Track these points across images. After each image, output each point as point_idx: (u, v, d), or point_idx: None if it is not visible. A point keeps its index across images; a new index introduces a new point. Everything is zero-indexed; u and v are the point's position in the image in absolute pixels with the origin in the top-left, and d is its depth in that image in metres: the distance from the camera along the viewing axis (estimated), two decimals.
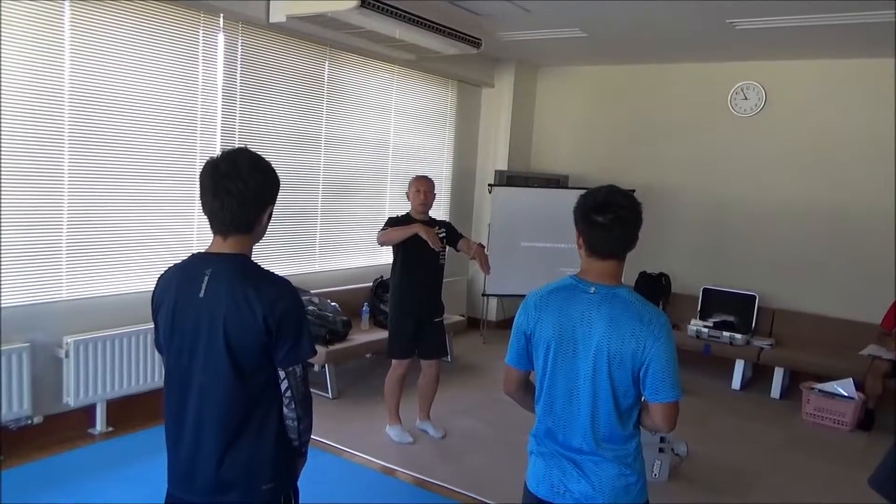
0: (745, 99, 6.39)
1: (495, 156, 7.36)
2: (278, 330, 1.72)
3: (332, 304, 5.29)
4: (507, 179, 7.02)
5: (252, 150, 1.80)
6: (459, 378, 5.75)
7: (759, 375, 6.13)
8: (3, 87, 3.61)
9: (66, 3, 3.85)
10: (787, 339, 6.04)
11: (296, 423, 1.82)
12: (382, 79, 6.18)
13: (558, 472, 1.95)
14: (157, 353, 4.30)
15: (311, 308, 5.06)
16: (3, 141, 3.64)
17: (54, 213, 3.94)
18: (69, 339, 3.97)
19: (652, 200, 6.36)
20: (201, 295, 1.74)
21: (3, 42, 3.59)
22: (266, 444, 1.79)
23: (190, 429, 1.78)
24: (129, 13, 4.15)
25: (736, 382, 5.98)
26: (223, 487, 1.77)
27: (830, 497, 4.00)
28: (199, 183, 1.76)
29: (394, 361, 4.36)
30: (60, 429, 4.03)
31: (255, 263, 1.80)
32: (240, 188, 1.71)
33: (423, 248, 4.12)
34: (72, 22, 3.88)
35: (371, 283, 6.00)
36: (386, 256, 6.20)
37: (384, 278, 5.80)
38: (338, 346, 5.08)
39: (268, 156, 1.83)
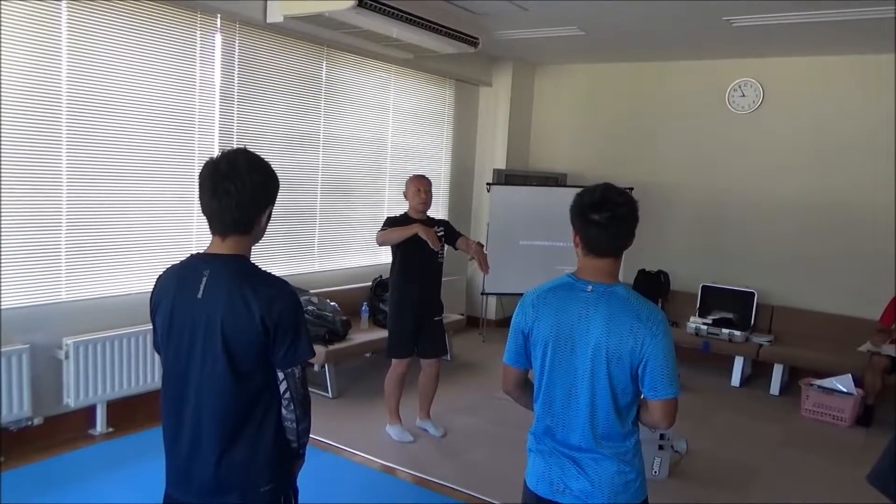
0: (743, 96, 6.40)
1: (493, 154, 7.37)
2: (276, 330, 1.72)
3: (332, 303, 5.29)
4: (505, 178, 7.03)
5: (251, 150, 1.80)
6: (459, 377, 5.75)
7: (758, 372, 6.14)
8: (0, 88, 3.61)
9: (63, 4, 3.85)
10: (787, 335, 6.04)
11: (294, 424, 1.82)
12: (380, 78, 6.19)
13: (558, 469, 1.95)
14: (156, 353, 4.33)
15: (310, 308, 5.07)
16: (1, 142, 3.64)
17: (53, 215, 3.95)
18: (69, 341, 3.97)
19: (650, 198, 6.38)
20: (199, 296, 1.74)
21: (1, 42, 3.58)
22: (264, 445, 1.79)
23: (188, 429, 1.78)
24: (125, 14, 4.15)
25: (735, 379, 5.99)
26: (221, 488, 1.78)
27: (830, 493, 4.01)
28: (198, 183, 1.77)
29: (393, 360, 4.37)
30: (61, 430, 4.03)
31: (254, 264, 1.80)
32: (239, 189, 1.71)
33: (422, 248, 4.12)
34: (69, 23, 3.89)
35: (370, 283, 6.01)
36: (385, 256, 6.21)
37: (383, 278, 5.80)
38: (337, 345, 5.09)
39: (266, 156, 1.83)
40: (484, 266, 4.28)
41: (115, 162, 4.20)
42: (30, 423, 3.88)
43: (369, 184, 6.23)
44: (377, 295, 5.87)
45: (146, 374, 4.34)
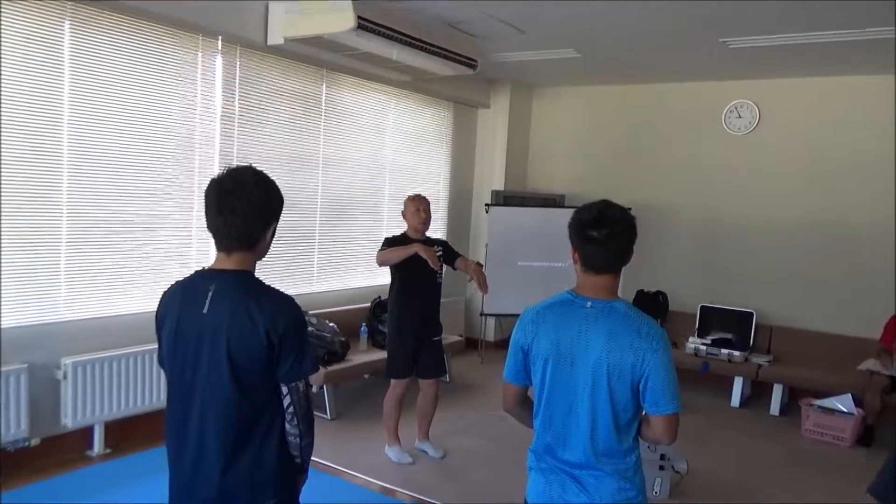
0: (739, 117, 6.46)
1: (492, 176, 7.41)
2: (280, 344, 1.73)
3: (331, 324, 5.28)
4: (503, 199, 7.06)
5: (255, 167, 1.83)
6: (458, 398, 5.73)
7: (758, 392, 6.12)
8: (2, 107, 3.64)
9: (66, 24, 3.90)
10: (786, 355, 6.04)
11: (298, 439, 1.82)
12: (379, 100, 6.24)
13: (558, 487, 1.95)
14: (155, 373, 4.33)
15: (309, 329, 5.06)
16: (2, 161, 3.67)
17: (53, 234, 3.96)
18: (67, 361, 3.96)
19: (648, 219, 6.40)
20: (205, 311, 1.76)
21: (3, 62, 3.62)
22: (268, 459, 1.79)
23: (192, 443, 1.79)
24: (128, 35, 4.20)
25: (735, 399, 5.98)
26: (225, 502, 1.78)
27: None
28: (204, 199, 1.79)
29: (392, 381, 4.36)
30: (58, 451, 4.00)
31: (258, 279, 1.82)
32: (243, 205, 1.74)
33: (421, 268, 4.13)
34: (71, 42, 3.93)
35: (369, 304, 6.00)
36: (384, 277, 6.20)
37: (382, 298, 5.79)
38: (336, 366, 5.07)
39: None
40: (483, 286, 4.28)
41: (115, 181, 4.23)
42: (27, 443, 3.85)
43: (368, 205, 6.25)
44: (376, 316, 5.86)
45: (144, 394, 4.32)
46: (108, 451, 4.18)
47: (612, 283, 1.97)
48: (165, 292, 1.89)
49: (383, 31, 4.63)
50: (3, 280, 3.73)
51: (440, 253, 4.30)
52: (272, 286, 1.83)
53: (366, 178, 6.19)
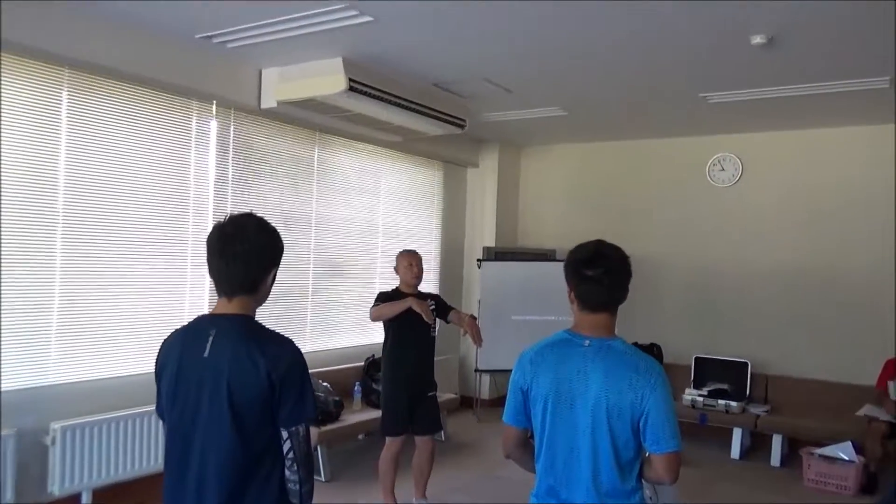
0: (723, 170, 6.61)
1: (482, 233, 7.48)
2: (282, 387, 1.73)
3: (324, 384, 5.22)
4: (495, 255, 7.11)
5: (256, 214, 1.87)
6: (454, 457, 5.62)
7: (757, 443, 6.05)
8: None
9: (65, 90, 3.99)
10: (783, 404, 6.00)
11: (298, 486, 1.79)
12: (371, 161, 6.35)
13: None
14: (145, 437, 4.25)
15: None
16: None
17: (45, 295, 3.94)
18: (56, 425, 3.88)
19: (639, 271, 6.36)
20: (206, 354, 1.76)
21: (2, 123, 3.69)
22: None
23: (192, 490, 1.76)
24: (124, 100, 4.30)
25: (735, 451, 5.90)
26: None
27: None
28: (206, 245, 1.82)
29: (388, 439, 4.28)
30: None
31: (259, 323, 1.84)
32: (245, 249, 1.77)
33: (415, 322, 4.13)
34: (69, 106, 4.01)
35: (363, 362, 5.95)
36: (377, 335, 6.16)
37: (375, 357, 5.75)
38: (330, 426, 4.99)
39: None
40: (477, 338, 4.27)
41: (109, 243, 4.24)
42: None
43: (361, 263, 6.28)
44: (370, 374, 5.80)
45: (134, 459, 4.21)
46: None
47: (609, 322, 1.99)
48: (166, 339, 1.89)
49: (374, 93, 4.75)
50: None
51: (433, 307, 4.31)
52: (273, 330, 1.83)
53: (358, 237, 6.23)
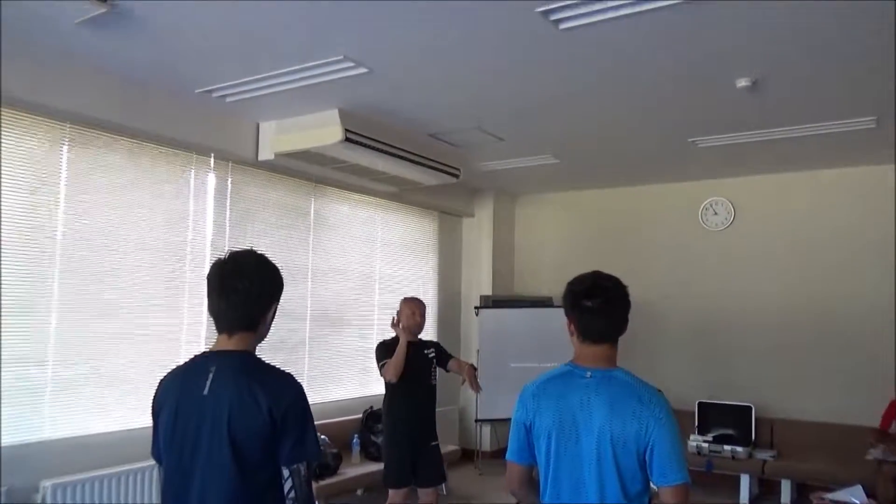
0: (715, 214, 6.67)
1: (479, 281, 7.48)
2: (283, 423, 1.70)
3: (322, 437, 5.12)
4: (492, 303, 7.09)
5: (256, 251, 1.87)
6: None
7: (766, 490, 5.92)
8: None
9: (65, 146, 4.04)
10: (790, 449, 5.89)
11: None
12: (367, 211, 6.40)
13: None
14: (139, 495, 4.13)
15: None
16: None
17: (39, 350, 3.90)
18: (47, 483, 3.77)
19: (637, 318, 6.33)
20: (205, 392, 1.73)
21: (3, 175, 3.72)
22: None
23: None
24: (123, 152, 4.35)
25: (744, 499, 5.76)
26: None
27: None
28: (206, 283, 1.81)
29: (390, 492, 4.17)
30: None
31: (260, 359, 1.81)
32: (245, 286, 1.77)
33: (415, 371, 4.12)
34: (69, 159, 4.05)
35: (361, 415, 5.85)
36: (375, 387, 6.12)
37: (374, 408, 5.67)
38: (329, 480, 4.88)
39: None
40: (475, 385, 4.23)
41: (105, 296, 4.22)
42: None
43: (358, 314, 6.24)
44: (368, 427, 5.70)
45: None
46: None
47: (611, 353, 1.97)
48: (164, 378, 1.86)
49: (369, 143, 4.82)
50: None
51: (433, 355, 4.28)
52: (274, 365, 1.81)
53: (355, 287, 6.22)
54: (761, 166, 6.16)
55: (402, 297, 4.42)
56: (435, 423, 4.32)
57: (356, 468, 5.26)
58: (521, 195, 7.85)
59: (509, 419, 2.08)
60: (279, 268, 1.90)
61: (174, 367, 1.88)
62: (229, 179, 5.04)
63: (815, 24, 3.23)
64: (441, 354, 4.36)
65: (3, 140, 3.72)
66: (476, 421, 6.71)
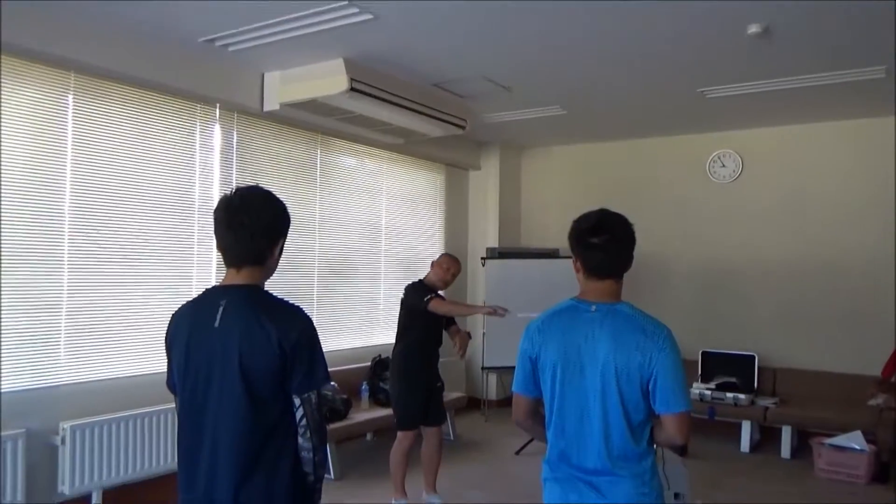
0: (723, 166, 6.64)
1: (486, 234, 7.51)
2: (293, 354, 1.74)
3: (332, 383, 5.21)
4: (498, 255, 7.12)
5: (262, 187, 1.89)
6: (464, 454, 5.62)
7: (767, 437, 6.02)
8: (4, 172, 3.72)
9: (70, 97, 4.04)
10: (792, 397, 5.98)
11: (311, 454, 1.80)
12: (373, 164, 6.39)
13: (575, 495, 1.92)
14: (155, 437, 4.26)
15: None
16: (3, 225, 3.72)
17: (53, 296, 3.97)
18: (65, 425, 3.89)
19: (643, 269, 6.41)
20: (216, 325, 1.77)
21: (6, 128, 3.73)
22: (283, 475, 1.77)
23: (206, 462, 1.76)
24: (130, 103, 4.35)
25: (745, 444, 5.88)
26: None
27: None
28: (213, 218, 1.84)
29: (400, 434, 4.28)
30: None
31: (268, 292, 1.85)
32: (253, 220, 1.79)
33: (438, 323, 4.28)
34: (74, 111, 4.06)
35: (369, 363, 5.95)
36: (382, 336, 6.22)
37: (382, 357, 5.77)
38: (339, 424, 5.00)
39: None
40: (462, 350, 4.42)
41: (115, 244, 4.27)
42: None
43: (365, 265, 6.30)
44: (377, 374, 5.81)
45: (143, 459, 4.21)
46: None
47: (615, 288, 2.01)
48: (175, 314, 1.90)
49: (375, 93, 4.79)
50: (4, 343, 3.71)
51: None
52: (282, 298, 1.85)
53: (362, 239, 6.26)
54: (770, 118, 6.11)
55: (444, 252, 4.55)
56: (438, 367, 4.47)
57: (365, 413, 5.39)
58: (528, 148, 7.82)
59: (514, 367, 2.12)
60: (291, 217, 1.93)
61: (185, 302, 1.92)
62: (235, 131, 5.03)
63: None
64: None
65: (7, 90, 3.72)
66: (482, 369, 6.81)
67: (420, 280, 4.39)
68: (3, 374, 3.71)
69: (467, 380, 7.32)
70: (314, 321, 1.89)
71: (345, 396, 5.17)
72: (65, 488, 3.87)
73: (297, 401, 1.78)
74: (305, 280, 5.63)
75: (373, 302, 6.35)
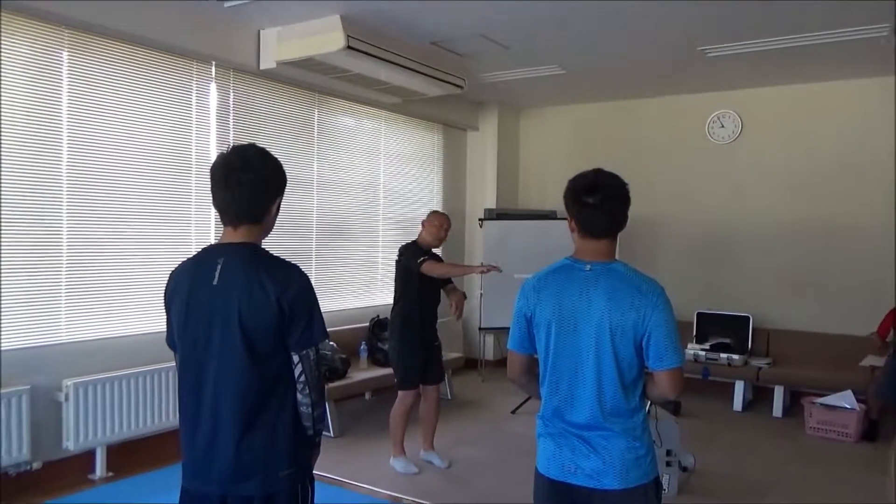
0: (722, 127, 6.61)
1: (483, 195, 7.51)
2: (291, 311, 1.77)
3: (331, 343, 5.29)
4: (496, 216, 7.13)
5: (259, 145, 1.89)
6: (461, 413, 5.71)
7: (759, 397, 6.13)
8: (2, 131, 3.70)
9: (65, 50, 4.00)
10: (785, 357, 6.06)
11: (310, 409, 1.84)
12: (371, 123, 6.35)
13: (568, 450, 1.96)
14: (157, 395, 4.32)
15: None
16: (1, 183, 3.72)
17: (53, 255, 3.99)
18: (69, 382, 3.95)
19: (640, 230, 6.47)
20: (215, 282, 1.79)
21: (3, 87, 3.70)
22: (283, 429, 1.81)
23: (207, 416, 1.80)
24: (124, 61, 4.30)
25: (737, 404, 5.98)
26: (242, 474, 1.79)
27: None
28: (210, 176, 1.84)
29: (401, 393, 4.34)
30: (60, 474, 3.96)
31: (266, 250, 1.86)
32: (250, 178, 1.80)
33: (436, 283, 4.30)
34: (69, 69, 4.02)
35: (367, 323, 6.01)
36: (380, 296, 6.27)
37: (380, 317, 5.82)
38: (338, 383, 5.07)
39: None
40: (458, 312, 4.41)
41: (114, 203, 4.27)
42: (28, 467, 3.81)
43: (364, 226, 6.31)
44: (375, 334, 5.86)
45: (147, 416, 4.28)
46: (110, 474, 4.13)
47: (610, 248, 2.02)
48: (174, 271, 1.92)
49: (372, 51, 4.74)
50: (3, 302, 3.75)
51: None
52: (279, 256, 1.87)
53: (360, 199, 6.26)
54: (771, 78, 6.05)
55: (432, 210, 4.59)
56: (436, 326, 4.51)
57: (364, 373, 5.46)
58: (526, 108, 7.76)
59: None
60: (288, 177, 1.95)
61: (183, 260, 1.93)
62: (231, 89, 4.99)
63: None
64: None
65: (2, 43, 3.68)
66: (480, 329, 6.88)
67: (413, 241, 4.39)
68: (5, 332, 3.74)
69: (465, 340, 7.39)
70: (312, 282, 1.91)
71: (343, 356, 5.23)
72: (69, 444, 3.95)
73: (295, 357, 1.81)
74: (304, 240, 5.64)
75: (371, 262, 6.38)
